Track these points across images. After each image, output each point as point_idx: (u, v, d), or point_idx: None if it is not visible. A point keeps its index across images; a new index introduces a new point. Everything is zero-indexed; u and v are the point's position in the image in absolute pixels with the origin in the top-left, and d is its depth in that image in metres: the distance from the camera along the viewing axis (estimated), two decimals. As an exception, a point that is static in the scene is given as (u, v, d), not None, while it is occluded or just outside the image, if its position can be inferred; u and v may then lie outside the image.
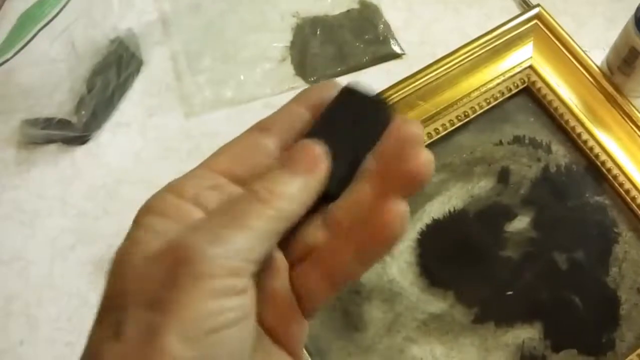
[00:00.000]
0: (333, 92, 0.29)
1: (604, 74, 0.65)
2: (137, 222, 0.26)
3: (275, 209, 0.26)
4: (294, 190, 0.26)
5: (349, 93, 0.29)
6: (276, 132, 0.29)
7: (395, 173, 0.26)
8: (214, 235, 0.24)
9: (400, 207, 0.26)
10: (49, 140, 0.65)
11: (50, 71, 0.63)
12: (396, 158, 0.26)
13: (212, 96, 0.66)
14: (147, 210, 0.27)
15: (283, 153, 0.28)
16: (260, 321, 0.26)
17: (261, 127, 0.29)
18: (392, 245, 0.26)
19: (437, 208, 0.61)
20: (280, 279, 0.27)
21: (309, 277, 0.27)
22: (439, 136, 0.63)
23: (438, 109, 0.64)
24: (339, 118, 0.29)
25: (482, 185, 0.62)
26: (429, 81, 0.64)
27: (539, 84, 0.65)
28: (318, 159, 0.27)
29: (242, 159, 0.28)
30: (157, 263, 0.24)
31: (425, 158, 0.26)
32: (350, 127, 0.28)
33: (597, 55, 0.67)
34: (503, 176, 0.63)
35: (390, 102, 0.29)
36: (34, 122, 0.63)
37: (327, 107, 0.29)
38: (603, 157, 0.62)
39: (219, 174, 0.28)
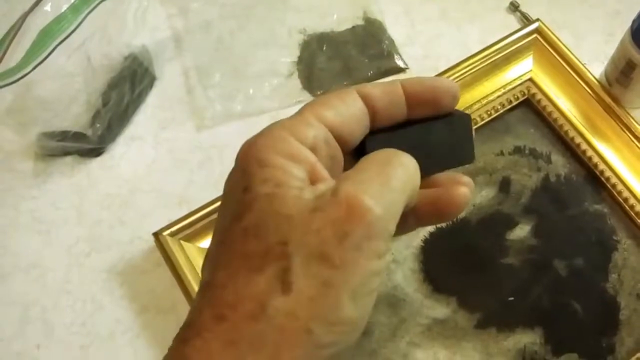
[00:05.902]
0: (437, 89, 0.31)
1: (603, 86, 0.67)
2: (265, 161, 0.25)
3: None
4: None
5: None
6: (376, 105, 0.30)
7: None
8: (380, 194, 0.24)
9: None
10: (65, 152, 0.67)
11: (67, 85, 0.65)
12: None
13: (222, 110, 0.69)
14: (272, 150, 0.26)
15: None
16: None
17: (364, 95, 0.29)
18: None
19: (440, 216, 0.63)
20: None
21: None
22: (441, 147, 0.65)
23: (441, 121, 0.65)
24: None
25: (484, 195, 0.64)
26: (431, 94, 0.66)
27: (539, 96, 0.67)
28: None
29: (346, 120, 0.28)
30: (324, 214, 0.24)
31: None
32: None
33: (596, 68, 0.69)
34: (504, 186, 0.64)
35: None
36: (50, 135, 0.65)
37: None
38: (602, 166, 0.64)
39: (326, 127, 0.28)
